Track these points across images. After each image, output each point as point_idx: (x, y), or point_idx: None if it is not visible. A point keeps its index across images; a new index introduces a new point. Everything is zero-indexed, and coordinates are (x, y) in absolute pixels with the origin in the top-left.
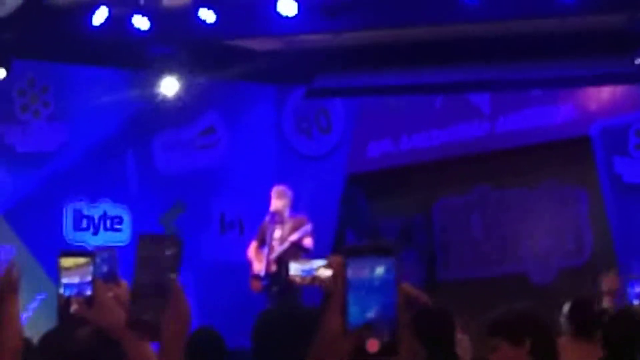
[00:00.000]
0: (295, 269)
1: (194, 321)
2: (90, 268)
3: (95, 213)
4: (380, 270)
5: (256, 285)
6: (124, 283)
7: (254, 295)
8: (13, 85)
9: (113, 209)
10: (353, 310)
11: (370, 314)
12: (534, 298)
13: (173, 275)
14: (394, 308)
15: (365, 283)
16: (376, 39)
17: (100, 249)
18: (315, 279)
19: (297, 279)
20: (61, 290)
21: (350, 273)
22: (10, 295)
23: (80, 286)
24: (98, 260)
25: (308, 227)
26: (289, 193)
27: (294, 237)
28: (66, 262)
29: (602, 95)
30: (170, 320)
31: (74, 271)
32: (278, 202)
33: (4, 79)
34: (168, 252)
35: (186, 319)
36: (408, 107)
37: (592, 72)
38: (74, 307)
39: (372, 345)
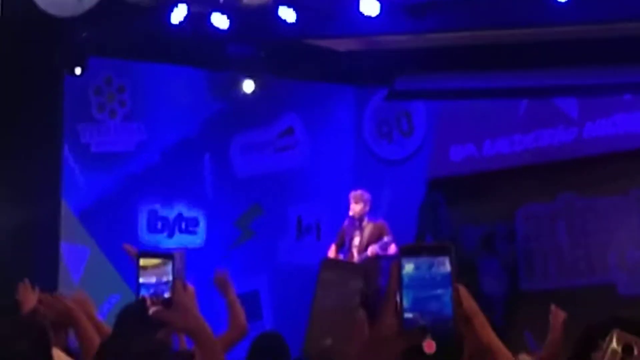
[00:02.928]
0: None
1: (269, 324)
2: (168, 269)
3: (171, 215)
4: (436, 269)
5: None
6: (191, 288)
7: None
8: (89, 84)
9: (188, 211)
10: (408, 309)
11: (427, 314)
12: (622, 310)
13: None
14: (450, 307)
15: (421, 282)
16: (460, 40)
17: (172, 250)
18: None
19: None
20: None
21: (406, 273)
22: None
23: (157, 287)
24: (176, 261)
25: (388, 239)
26: (368, 197)
27: (373, 249)
28: (144, 262)
29: None
30: None
31: (151, 271)
32: (357, 206)
33: (80, 76)
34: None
35: None
36: (492, 110)
37: None
38: (152, 309)
39: (429, 346)
